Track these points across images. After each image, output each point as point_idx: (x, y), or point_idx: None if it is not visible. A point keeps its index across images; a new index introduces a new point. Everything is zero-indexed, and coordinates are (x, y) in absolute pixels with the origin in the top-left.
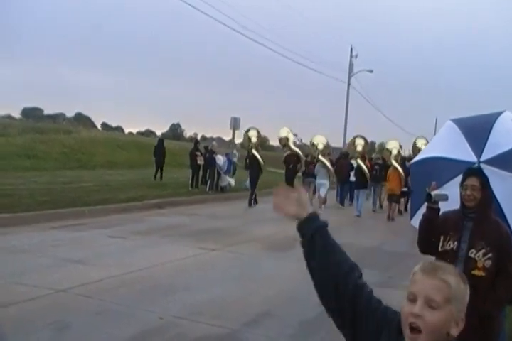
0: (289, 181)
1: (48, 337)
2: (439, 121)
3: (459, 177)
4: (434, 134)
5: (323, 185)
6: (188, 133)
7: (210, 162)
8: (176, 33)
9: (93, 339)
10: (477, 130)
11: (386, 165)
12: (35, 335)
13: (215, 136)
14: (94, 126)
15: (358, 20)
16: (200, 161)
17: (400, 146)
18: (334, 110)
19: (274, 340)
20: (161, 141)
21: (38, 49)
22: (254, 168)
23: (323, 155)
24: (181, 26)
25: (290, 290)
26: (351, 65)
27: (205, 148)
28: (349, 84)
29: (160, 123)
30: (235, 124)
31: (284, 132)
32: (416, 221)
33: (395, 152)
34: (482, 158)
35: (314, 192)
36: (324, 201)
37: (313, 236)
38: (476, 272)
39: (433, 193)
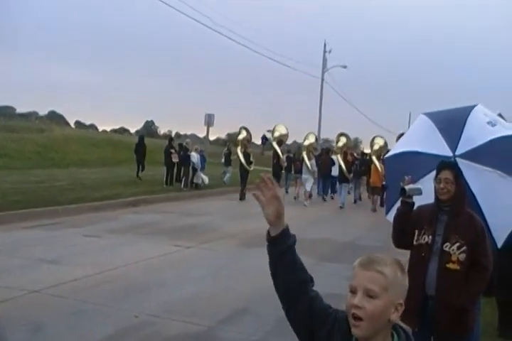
0: (276, 175)
1: (21, 338)
2: (412, 116)
3: (434, 172)
4: (408, 128)
5: (308, 180)
6: (163, 130)
7: (185, 159)
8: (150, 31)
9: (68, 339)
10: (451, 124)
11: (365, 160)
12: (9, 336)
13: (189, 133)
14: (68, 125)
15: (333, 16)
16: (175, 159)
17: (385, 143)
18: (309, 106)
19: (250, 337)
20: (141, 138)
21: (10, 46)
22: (243, 165)
23: (309, 152)
24: (156, 24)
25: (266, 286)
26: (325, 60)
27: (180, 145)
28: (323, 80)
29: (134, 121)
30: (209, 121)
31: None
32: (391, 216)
33: (376, 147)
34: (457, 152)
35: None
36: (310, 195)
37: (286, 252)
38: (450, 265)
39: (407, 187)
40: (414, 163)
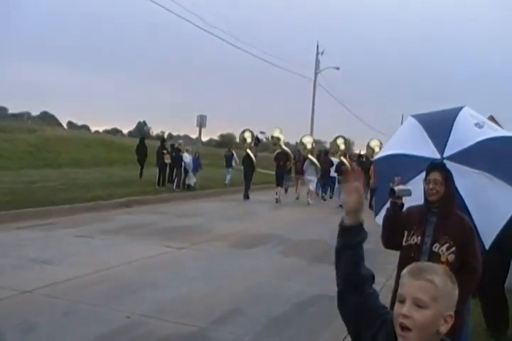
0: (280, 177)
1: (14, 338)
2: (405, 118)
3: (423, 174)
4: None
5: (312, 180)
6: (155, 131)
7: (177, 160)
8: (140, 32)
9: (60, 339)
10: (439, 126)
11: (362, 162)
12: (1, 337)
13: (181, 134)
14: (60, 125)
15: (327, 17)
16: (167, 160)
17: (381, 144)
18: (301, 107)
19: (242, 338)
20: (142, 139)
21: (2, 47)
22: (247, 165)
23: (311, 154)
24: (146, 24)
25: (257, 287)
26: (317, 62)
27: (172, 146)
28: (315, 81)
29: (127, 122)
30: (201, 122)
31: (276, 132)
32: (380, 218)
33: (377, 150)
34: (445, 155)
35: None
36: (313, 194)
37: (357, 245)
38: None
39: (396, 188)
40: (402, 165)
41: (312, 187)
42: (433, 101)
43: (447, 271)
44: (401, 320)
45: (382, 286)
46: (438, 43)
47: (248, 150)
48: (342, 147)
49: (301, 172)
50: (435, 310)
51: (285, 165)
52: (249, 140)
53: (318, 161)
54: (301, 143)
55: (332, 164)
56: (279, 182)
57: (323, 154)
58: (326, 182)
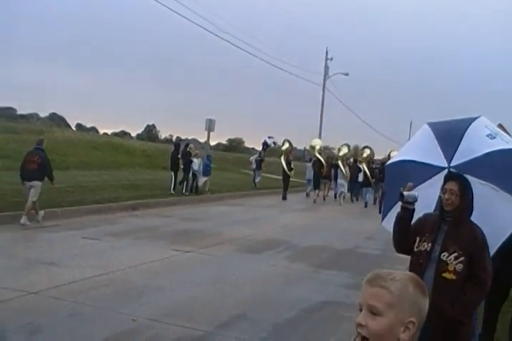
0: (316, 181)
1: (19, 339)
2: (413, 125)
3: (430, 181)
4: (409, 137)
5: (343, 184)
6: (164, 134)
7: (187, 164)
8: (150, 34)
9: None
10: (450, 135)
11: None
12: (8, 338)
13: (190, 137)
14: (69, 127)
15: (335, 22)
16: (181, 164)
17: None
18: (310, 113)
19: None
20: (177, 145)
21: (13, 48)
22: (284, 170)
23: (343, 161)
24: (156, 27)
25: (264, 292)
26: (326, 67)
27: (186, 146)
28: (324, 87)
29: (135, 124)
30: (210, 126)
31: (314, 143)
32: (387, 222)
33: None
34: (452, 164)
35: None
36: (344, 197)
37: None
38: (446, 275)
39: (405, 193)
40: (410, 171)
41: (344, 189)
42: (440, 109)
43: (412, 276)
44: (358, 329)
45: None
46: (448, 51)
47: (282, 160)
48: (364, 155)
49: (328, 177)
50: (391, 317)
51: (320, 171)
52: (284, 147)
53: (349, 168)
54: (338, 150)
55: (360, 170)
56: (317, 186)
57: (353, 162)
58: (354, 187)
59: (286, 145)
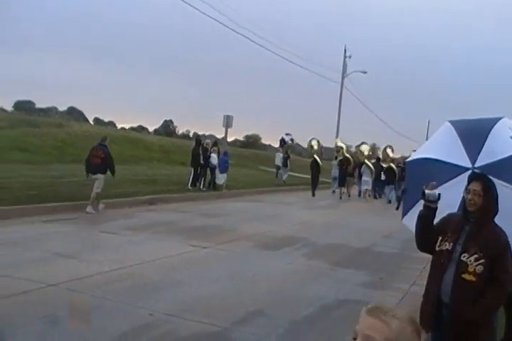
0: (342, 178)
1: (39, 331)
2: (431, 124)
3: (453, 181)
4: (426, 137)
5: (368, 181)
6: (181, 130)
7: (205, 160)
8: (168, 30)
9: (84, 334)
10: (474, 135)
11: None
12: (26, 329)
13: (207, 133)
14: (87, 121)
15: (355, 21)
16: (201, 161)
17: None
18: (327, 110)
19: (264, 339)
20: (198, 141)
21: (33, 42)
22: (314, 168)
23: (368, 159)
24: (174, 22)
25: (281, 289)
26: (345, 65)
27: (202, 144)
28: (342, 85)
29: (153, 120)
30: (228, 122)
31: (339, 142)
32: (407, 220)
33: None
34: (476, 165)
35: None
36: (369, 194)
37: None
38: (466, 276)
39: (427, 191)
40: (433, 170)
41: (369, 187)
42: (456, 108)
43: (411, 319)
44: None
45: (405, 293)
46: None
47: (315, 156)
48: (391, 155)
49: (351, 175)
50: None
51: (347, 168)
52: (315, 147)
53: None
54: (360, 150)
55: (383, 168)
56: (342, 183)
57: (377, 161)
58: (377, 184)
59: (316, 144)
